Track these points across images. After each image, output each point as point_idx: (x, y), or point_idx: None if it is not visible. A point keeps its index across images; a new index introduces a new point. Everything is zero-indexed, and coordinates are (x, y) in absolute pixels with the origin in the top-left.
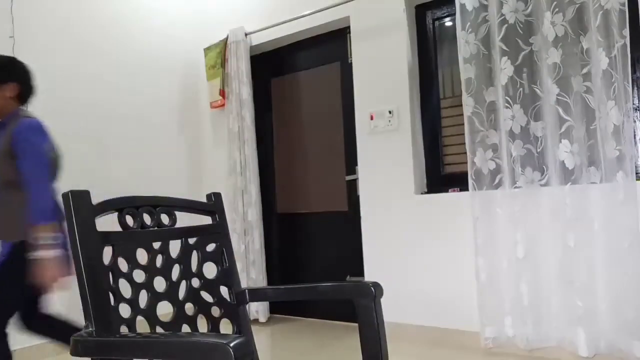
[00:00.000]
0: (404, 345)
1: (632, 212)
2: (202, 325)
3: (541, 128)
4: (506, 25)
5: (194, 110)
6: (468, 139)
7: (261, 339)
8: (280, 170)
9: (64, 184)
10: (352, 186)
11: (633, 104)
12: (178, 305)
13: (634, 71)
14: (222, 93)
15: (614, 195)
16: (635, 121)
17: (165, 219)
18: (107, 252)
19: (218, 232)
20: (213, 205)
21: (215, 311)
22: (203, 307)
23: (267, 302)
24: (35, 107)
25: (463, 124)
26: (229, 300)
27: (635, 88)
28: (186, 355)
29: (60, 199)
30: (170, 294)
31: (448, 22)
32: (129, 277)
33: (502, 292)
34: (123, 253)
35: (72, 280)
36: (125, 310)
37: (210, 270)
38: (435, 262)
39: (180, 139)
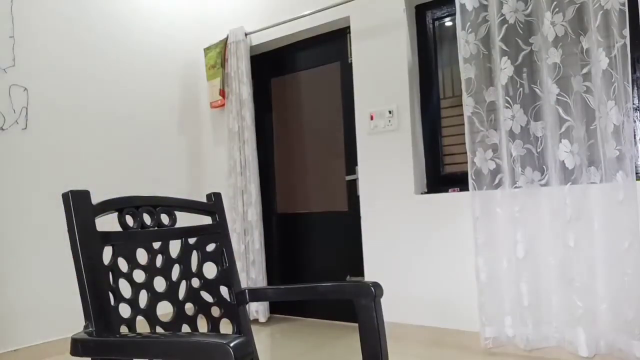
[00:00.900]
0: (404, 345)
1: (632, 212)
2: (202, 325)
3: (541, 128)
4: (506, 25)
5: (194, 110)
6: (468, 139)
7: (261, 339)
8: (280, 170)
9: (64, 184)
10: (352, 186)
11: (633, 104)
12: (178, 305)
13: (634, 71)
14: (222, 93)
15: (614, 195)
16: (635, 121)
17: (165, 219)
18: (107, 252)
19: (218, 232)
20: (213, 205)
21: (215, 311)
22: (203, 307)
23: (267, 302)
24: (35, 107)
25: (463, 124)
26: (229, 300)
27: (635, 88)
28: (186, 355)
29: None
30: (170, 294)
31: (448, 22)
32: (129, 277)
33: (502, 292)
34: (123, 253)
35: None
36: (125, 310)
37: (210, 270)
38: (435, 262)
39: (180, 139)
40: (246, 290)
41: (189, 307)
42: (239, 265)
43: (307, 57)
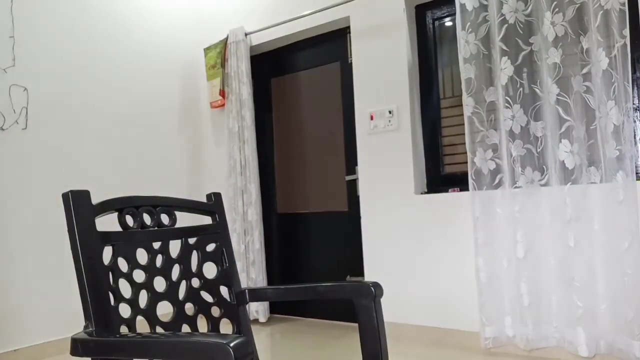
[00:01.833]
0: (404, 345)
1: (632, 212)
2: (202, 325)
3: (541, 128)
4: (506, 25)
5: (194, 110)
6: (468, 139)
7: (261, 339)
8: (280, 170)
9: (64, 184)
10: (352, 186)
11: (633, 104)
12: (178, 305)
13: (634, 71)
14: (222, 93)
15: (614, 195)
16: (635, 121)
17: (165, 219)
18: (107, 252)
19: (218, 232)
20: (213, 205)
21: (215, 311)
22: (203, 307)
23: (267, 302)
24: (35, 107)
25: (463, 124)
26: (229, 300)
27: (635, 88)
28: (186, 355)
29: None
30: (170, 294)
31: (448, 22)
32: (129, 277)
33: (502, 292)
34: (123, 253)
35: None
36: (125, 310)
37: (210, 270)
38: (435, 262)
39: (180, 139)
40: (246, 290)
41: (189, 307)
42: (239, 265)
43: (307, 57)
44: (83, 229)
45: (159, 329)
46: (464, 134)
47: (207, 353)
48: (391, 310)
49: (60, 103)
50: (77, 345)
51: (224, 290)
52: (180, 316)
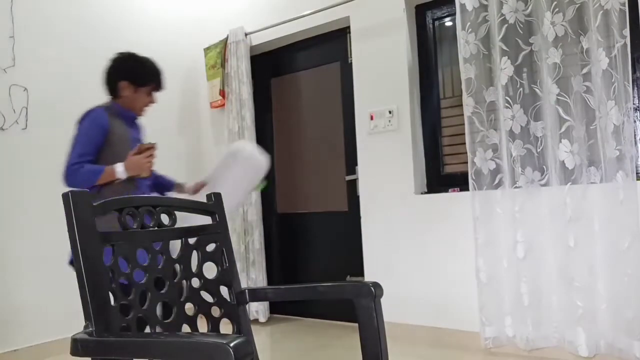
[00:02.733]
0: (404, 345)
1: (632, 212)
2: (202, 325)
3: (541, 128)
4: (506, 25)
5: (194, 110)
6: (468, 139)
7: (261, 339)
8: (280, 170)
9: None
10: (352, 186)
11: (633, 104)
12: (178, 305)
13: (634, 71)
14: (222, 93)
15: (614, 195)
16: (635, 121)
17: (165, 219)
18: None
19: (218, 232)
20: (213, 205)
21: (215, 311)
22: (203, 307)
23: (267, 302)
24: (35, 107)
25: (463, 124)
26: (229, 300)
27: (635, 88)
28: (186, 355)
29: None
30: (170, 294)
31: (448, 22)
32: (129, 277)
33: (502, 292)
34: (123, 253)
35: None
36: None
37: (210, 270)
38: (435, 262)
39: (180, 139)
40: (246, 290)
41: (189, 307)
42: (239, 265)
43: (307, 57)
44: (83, 229)
45: (159, 329)
46: (464, 134)
47: (207, 353)
48: (391, 310)
49: (60, 103)
50: (77, 345)
51: (224, 291)
52: (180, 316)
